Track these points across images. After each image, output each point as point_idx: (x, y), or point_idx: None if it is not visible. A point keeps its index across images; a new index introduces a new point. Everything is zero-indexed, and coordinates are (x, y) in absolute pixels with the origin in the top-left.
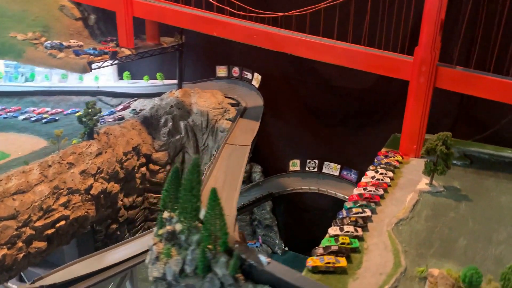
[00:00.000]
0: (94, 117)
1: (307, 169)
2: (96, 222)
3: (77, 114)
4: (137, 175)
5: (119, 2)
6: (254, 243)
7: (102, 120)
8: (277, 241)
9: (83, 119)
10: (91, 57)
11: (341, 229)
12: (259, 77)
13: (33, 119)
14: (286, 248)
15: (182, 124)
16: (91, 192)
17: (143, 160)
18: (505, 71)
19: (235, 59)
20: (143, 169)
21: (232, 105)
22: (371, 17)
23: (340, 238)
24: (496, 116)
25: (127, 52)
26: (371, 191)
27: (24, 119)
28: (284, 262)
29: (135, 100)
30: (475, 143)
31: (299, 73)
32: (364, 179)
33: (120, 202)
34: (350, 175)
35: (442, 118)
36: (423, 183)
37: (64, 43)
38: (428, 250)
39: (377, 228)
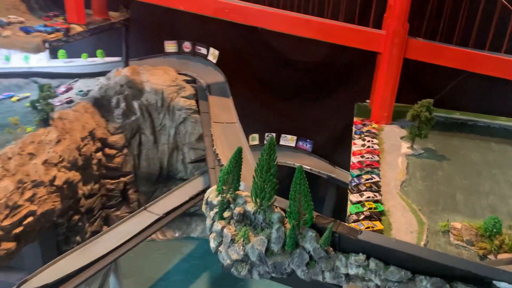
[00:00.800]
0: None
1: (265, 142)
2: (60, 214)
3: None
4: (94, 161)
5: None
6: None
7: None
8: None
9: (37, 105)
10: (44, 35)
11: (361, 195)
12: (216, 52)
13: None
14: None
15: (136, 104)
16: (55, 183)
17: (98, 144)
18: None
19: (184, 33)
20: (99, 154)
21: (187, 82)
22: None
23: (365, 203)
24: (439, 83)
25: (79, 28)
26: (368, 158)
27: None
28: None
29: (77, 81)
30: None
31: (253, 47)
32: (355, 148)
33: (80, 191)
34: (306, 145)
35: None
36: (405, 147)
37: (4, 19)
38: (437, 207)
39: (388, 191)
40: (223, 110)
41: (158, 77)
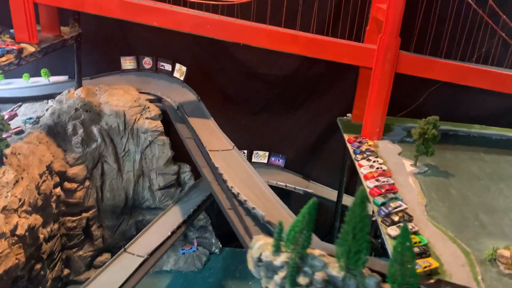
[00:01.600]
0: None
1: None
2: (22, 267)
3: None
4: (53, 198)
5: None
6: (190, 248)
7: None
8: (213, 241)
9: None
10: None
11: (399, 227)
12: (183, 68)
13: None
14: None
15: (95, 129)
16: (17, 232)
17: (57, 179)
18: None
19: (140, 48)
20: (58, 190)
21: (151, 101)
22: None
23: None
24: (412, 94)
25: (31, 48)
26: (384, 181)
27: None
28: (225, 260)
29: (20, 106)
30: (406, 118)
31: (218, 61)
32: (364, 170)
33: (41, 236)
34: (278, 160)
35: None
36: (408, 165)
37: None
38: (469, 231)
39: (418, 219)
40: (211, 135)
41: (117, 97)
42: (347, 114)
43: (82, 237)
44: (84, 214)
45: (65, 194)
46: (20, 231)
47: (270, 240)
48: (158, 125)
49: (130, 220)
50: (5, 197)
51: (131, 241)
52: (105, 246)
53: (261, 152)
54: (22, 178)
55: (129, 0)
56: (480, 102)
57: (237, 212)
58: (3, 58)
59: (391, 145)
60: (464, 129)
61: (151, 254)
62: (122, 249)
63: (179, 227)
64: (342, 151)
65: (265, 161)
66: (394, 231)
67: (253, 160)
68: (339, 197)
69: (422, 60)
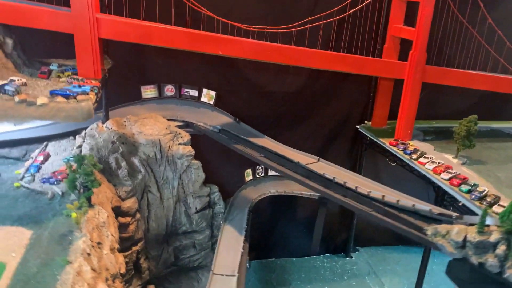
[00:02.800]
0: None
1: (257, 176)
2: None
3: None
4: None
5: (81, 22)
6: None
7: (43, 180)
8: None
9: (78, 183)
10: (91, 97)
11: (500, 206)
12: (211, 92)
13: None
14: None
15: (136, 160)
16: (121, 271)
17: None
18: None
19: (153, 76)
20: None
21: (180, 127)
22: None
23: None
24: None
25: (97, 84)
26: (454, 173)
27: None
28: (256, 272)
29: (46, 145)
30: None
31: (230, 83)
32: (429, 166)
33: None
34: None
35: (355, 107)
36: (450, 158)
37: (12, 85)
38: None
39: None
40: (286, 151)
41: (150, 126)
42: (365, 122)
43: (133, 272)
44: (134, 248)
45: (119, 230)
46: (122, 269)
47: (459, 227)
48: (191, 149)
49: (169, 247)
50: (107, 236)
51: (212, 261)
52: (151, 277)
53: None
54: (108, 216)
55: (197, 32)
56: (448, 102)
57: (382, 212)
58: (83, 97)
59: (423, 144)
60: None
61: (239, 271)
62: (211, 271)
63: (244, 241)
64: (344, 154)
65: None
66: (498, 208)
67: (270, 173)
68: None
69: (441, 70)
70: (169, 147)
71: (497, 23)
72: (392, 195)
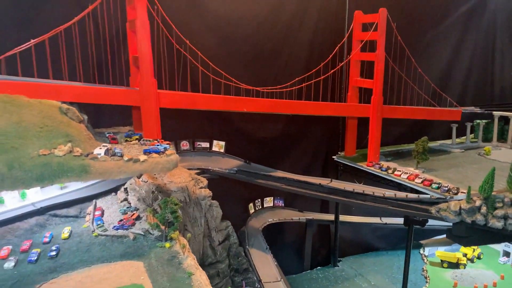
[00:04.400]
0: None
1: (256, 208)
2: None
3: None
4: None
5: (147, 96)
6: None
7: (116, 227)
8: (255, 278)
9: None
10: (172, 151)
11: (463, 193)
12: (221, 142)
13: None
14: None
15: None
16: None
17: None
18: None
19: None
20: None
21: (197, 173)
22: None
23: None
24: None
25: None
26: (423, 177)
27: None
28: None
29: (96, 203)
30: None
31: (226, 134)
32: (403, 175)
33: None
34: (279, 202)
35: (332, 137)
36: (412, 169)
37: (104, 149)
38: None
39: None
40: (304, 178)
41: (178, 175)
42: (339, 153)
43: None
44: None
45: None
46: None
47: (454, 202)
48: (209, 191)
49: None
50: (193, 258)
51: (258, 276)
52: None
53: (268, 198)
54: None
55: (229, 96)
56: (388, 131)
57: (396, 205)
58: (169, 151)
59: (389, 163)
60: (403, 147)
61: (281, 278)
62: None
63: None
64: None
65: (271, 204)
66: (461, 195)
67: (265, 205)
68: (336, 217)
69: (393, 108)
70: (193, 191)
71: (424, 70)
72: (400, 194)
